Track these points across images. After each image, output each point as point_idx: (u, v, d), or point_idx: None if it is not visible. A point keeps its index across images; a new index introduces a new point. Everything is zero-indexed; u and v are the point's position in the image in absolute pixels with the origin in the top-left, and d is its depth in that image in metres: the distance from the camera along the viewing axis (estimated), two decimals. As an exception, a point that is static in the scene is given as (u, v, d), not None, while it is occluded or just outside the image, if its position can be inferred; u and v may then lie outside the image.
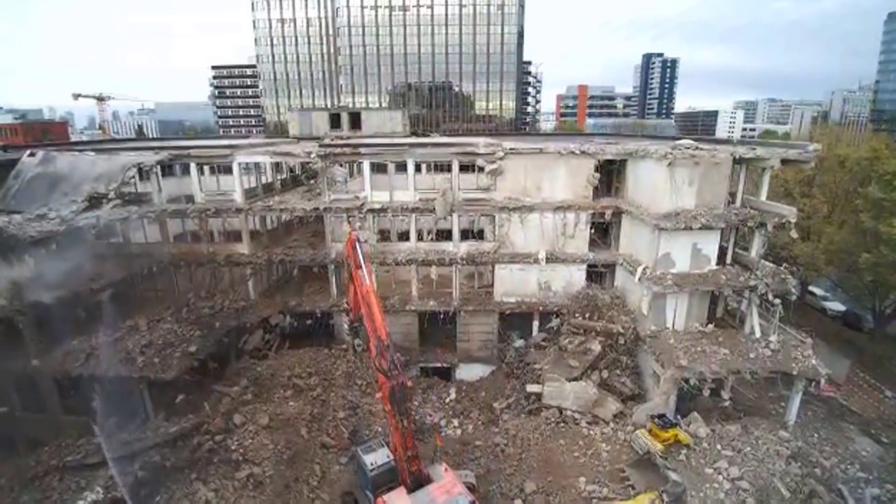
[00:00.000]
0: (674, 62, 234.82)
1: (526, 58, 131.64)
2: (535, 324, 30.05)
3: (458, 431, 25.28)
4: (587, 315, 28.27)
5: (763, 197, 26.50)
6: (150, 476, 20.12)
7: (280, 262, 29.83)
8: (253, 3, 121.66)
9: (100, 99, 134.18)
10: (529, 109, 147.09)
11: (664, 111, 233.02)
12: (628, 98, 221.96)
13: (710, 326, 26.24)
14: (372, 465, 18.06)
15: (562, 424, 24.30)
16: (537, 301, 29.52)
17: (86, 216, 24.32)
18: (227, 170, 30.26)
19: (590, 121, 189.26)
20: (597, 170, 28.33)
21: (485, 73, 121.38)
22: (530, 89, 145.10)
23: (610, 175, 30.38)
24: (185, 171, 29.54)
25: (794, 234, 26.39)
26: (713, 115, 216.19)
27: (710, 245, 25.45)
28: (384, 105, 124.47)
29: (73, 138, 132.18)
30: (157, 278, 28.01)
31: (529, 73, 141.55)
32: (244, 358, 27.58)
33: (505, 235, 28.69)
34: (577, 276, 29.53)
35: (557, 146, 27.96)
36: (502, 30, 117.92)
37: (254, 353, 28.12)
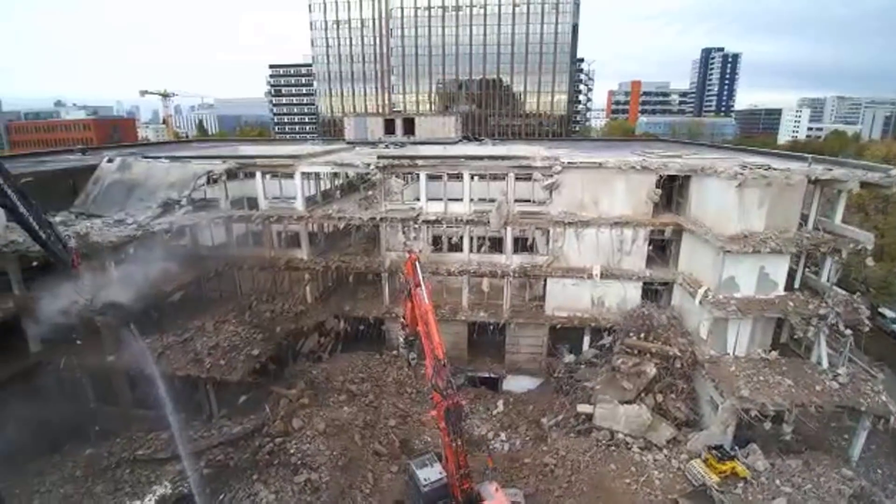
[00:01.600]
0: (735, 57, 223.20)
1: (578, 54, 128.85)
2: (587, 339, 29.61)
3: (506, 446, 25.32)
4: (642, 335, 27.52)
5: (838, 220, 24.95)
6: (214, 474, 21.32)
7: (336, 269, 30.70)
8: (310, 6, 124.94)
9: (165, 95, 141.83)
10: (580, 107, 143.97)
11: (723, 108, 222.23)
12: (684, 94, 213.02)
13: (774, 354, 25.01)
14: (425, 480, 18.40)
15: (613, 448, 23.85)
16: (589, 317, 29.06)
17: (160, 221, 25.90)
18: (289, 174, 31.32)
19: (642, 118, 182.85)
20: (658, 185, 27.52)
21: (536, 70, 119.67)
22: (582, 86, 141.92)
23: (671, 190, 29.43)
24: (249, 174, 30.83)
25: (870, 261, 24.73)
26: (776, 113, 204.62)
27: (778, 269, 24.23)
28: (434, 103, 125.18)
29: (139, 131, 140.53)
30: (222, 280, 29.46)
31: (581, 69, 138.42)
32: (300, 360, 28.68)
33: (559, 249, 28.38)
34: (632, 294, 28.84)
35: (618, 160, 27.31)
36: (556, 26, 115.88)
37: (309, 355, 29.18)
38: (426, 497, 18.24)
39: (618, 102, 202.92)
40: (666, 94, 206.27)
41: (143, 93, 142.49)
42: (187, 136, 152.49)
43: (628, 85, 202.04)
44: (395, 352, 29.65)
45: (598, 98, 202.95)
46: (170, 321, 25.28)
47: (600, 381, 26.32)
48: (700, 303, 25.19)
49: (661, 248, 30.88)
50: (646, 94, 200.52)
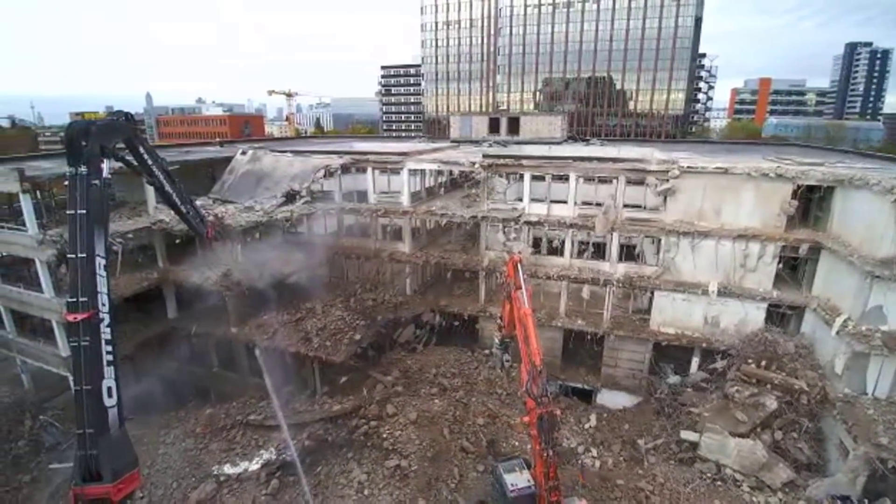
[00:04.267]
0: (885, 53, 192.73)
1: (700, 49, 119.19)
2: (695, 361, 27.32)
3: (597, 463, 24.17)
4: (763, 363, 24.74)
5: None
6: (314, 447, 22.87)
7: (435, 264, 31.39)
8: (422, 8, 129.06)
9: (289, 95, 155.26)
10: (698, 106, 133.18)
11: (869, 111, 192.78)
12: (822, 94, 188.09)
13: (927, 401, 21.19)
14: (512, 486, 18.16)
15: (719, 483, 21.78)
16: (701, 336, 26.77)
17: (282, 210, 28.30)
18: (397, 170, 32.59)
19: (771, 119, 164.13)
20: (794, 196, 24.53)
21: (652, 67, 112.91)
22: (702, 84, 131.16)
23: (809, 202, 26.11)
24: (360, 169, 32.54)
25: None
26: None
27: (942, 303, 20.47)
28: (539, 102, 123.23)
29: (265, 127, 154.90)
30: (331, 268, 31.47)
31: (702, 66, 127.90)
32: (396, 349, 29.82)
33: (670, 260, 26.44)
34: (753, 316, 26.05)
35: (747, 166, 24.77)
36: (676, 20, 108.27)
37: (405, 345, 30.22)
38: (512, 503, 18.01)
39: (742, 101, 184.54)
40: (801, 93, 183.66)
41: (271, 92, 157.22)
42: (305, 133, 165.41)
43: (755, 82, 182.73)
44: (487, 351, 29.64)
45: (720, 96, 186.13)
46: (285, 301, 27.53)
47: (710, 409, 24.13)
48: (837, 333, 22.06)
49: (793, 268, 27.55)
50: (776, 92, 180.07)
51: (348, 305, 28.40)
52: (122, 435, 14.27)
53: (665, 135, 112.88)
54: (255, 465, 21.97)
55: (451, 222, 31.25)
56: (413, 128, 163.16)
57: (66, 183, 14.18)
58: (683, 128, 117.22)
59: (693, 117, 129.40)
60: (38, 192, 25.05)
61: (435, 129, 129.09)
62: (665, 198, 26.05)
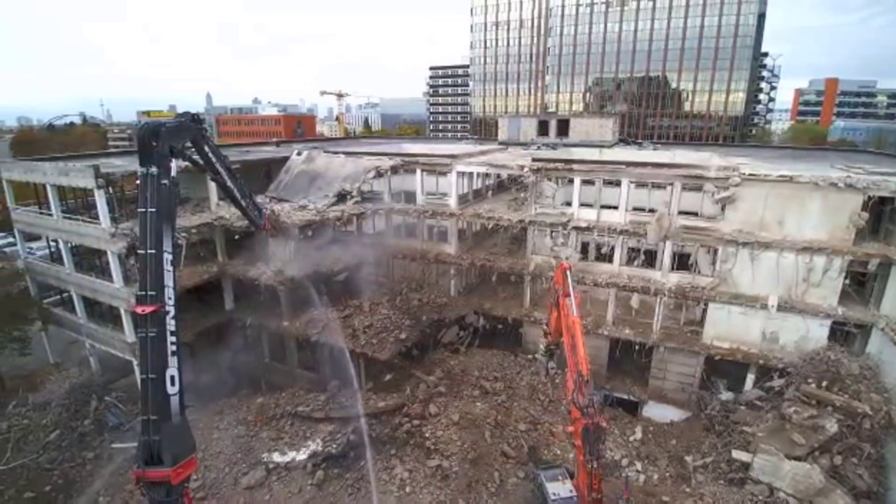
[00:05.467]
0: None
1: (762, 47, 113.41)
2: (750, 377, 26.06)
3: (641, 477, 23.53)
4: (824, 383, 23.33)
5: None
6: (358, 441, 23.41)
7: (480, 266, 31.41)
8: (472, 9, 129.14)
9: (339, 95, 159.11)
10: (759, 107, 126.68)
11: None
12: (894, 96, 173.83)
13: None
14: (554, 495, 18.01)
15: (772, 506, 20.76)
16: (757, 352, 25.52)
17: (334, 209, 29.10)
18: (445, 172, 32.81)
19: (838, 122, 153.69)
20: (864, 207, 22.97)
21: (710, 66, 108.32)
22: (763, 84, 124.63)
23: (880, 214, 24.38)
24: (409, 170, 32.92)
25: None
26: None
27: None
28: (589, 103, 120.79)
29: (317, 127, 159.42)
30: (378, 267, 32.07)
31: (764, 65, 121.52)
32: (440, 350, 30.07)
33: (727, 272, 25.33)
34: (815, 333, 24.59)
35: (814, 175, 23.40)
36: (738, 17, 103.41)
37: (448, 346, 30.42)
38: (554, 512, 17.84)
39: (806, 103, 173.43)
40: (871, 95, 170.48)
41: (322, 93, 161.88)
42: (354, 132, 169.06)
43: (821, 83, 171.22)
44: (530, 356, 29.40)
45: (783, 97, 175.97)
46: (334, 298, 28.30)
47: (765, 429, 22.99)
48: (912, 356, 20.51)
49: (860, 283, 25.82)
50: (844, 93, 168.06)
51: (394, 304, 28.87)
52: (182, 421, 14.91)
53: (722, 137, 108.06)
54: (302, 456, 22.71)
55: (497, 225, 31.12)
56: (460, 128, 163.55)
57: (138, 182, 14.90)
58: (742, 130, 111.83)
59: (753, 119, 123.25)
60: (110, 188, 26.82)
61: (482, 129, 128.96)
62: (724, 206, 24.98)
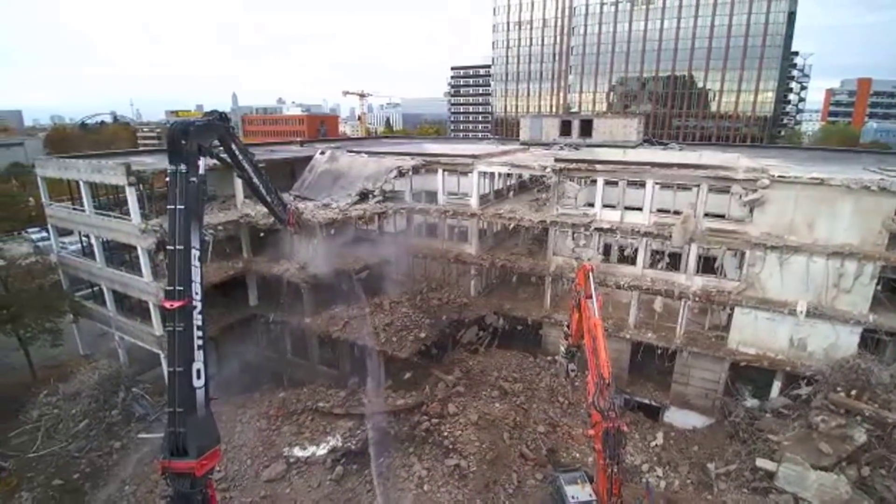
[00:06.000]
0: None
1: (793, 46, 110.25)
2: (776, 385, 25.42)
3: (662, 483, 23.17)
4: (853, 392, 22.68)
5: None
6: (377, 438, 23.59)
7: (501, 267, 31.31)
8: (494, 9, 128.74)
9: (362, 95, 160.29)
10: (789, 108, 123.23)
11: None
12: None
13: None
14: (573, 498, 17.87)
15: (797, 518, 20.24)
16: (784, 359, 24.88)
17: (356, 208, 29.37)
18: (466, 172, 32.79)
19: (871, 123, 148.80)
20: (899, 212, 22.19)
21: (738, 66, 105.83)
22: (793, 84, 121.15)
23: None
24: (431, 170, 32.96)
25: None
26: None
27: None
28: (612, 102, 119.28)
29: (339, 126, 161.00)
30: (399, 266, 32.23)
31: (794, 64, 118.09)
32: (459, 349, 30.07)
33: (755, 276, 24.74)
34: (845, 340, 23.86)
35: (847, 178, 22.69)
36: (767, 15, 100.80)
37: (467, 346, 30.39)
38: (572, 515, 17.70)
39: (838, 103, 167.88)
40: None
41: (345, 93, 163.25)
42: (375, 132, 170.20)
43: (853, 83, 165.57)
44: (550, 358, 29.20)
45: (813, 97, 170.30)
46: (355, 296, 28.56)
47: (791, 437, 22.44)
48: (950, 366, 19.74)
49: (893, 290, 24.98)
50: (877, 94, 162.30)
51: (414, 303, 28.99)
52: (207, 414, 15.19)
53: (751, 138, 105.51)
54: (322, 451, 23.00)
55: (518, 226, 30.97)
56: (481, 128, 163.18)
57: (167, 179, 15.06)
58: (771, 131, 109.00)
59: (783, 120, 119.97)
60: (141, 185, 27.55)
61: (503, 129, 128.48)
62: (752, 208, 24.42)
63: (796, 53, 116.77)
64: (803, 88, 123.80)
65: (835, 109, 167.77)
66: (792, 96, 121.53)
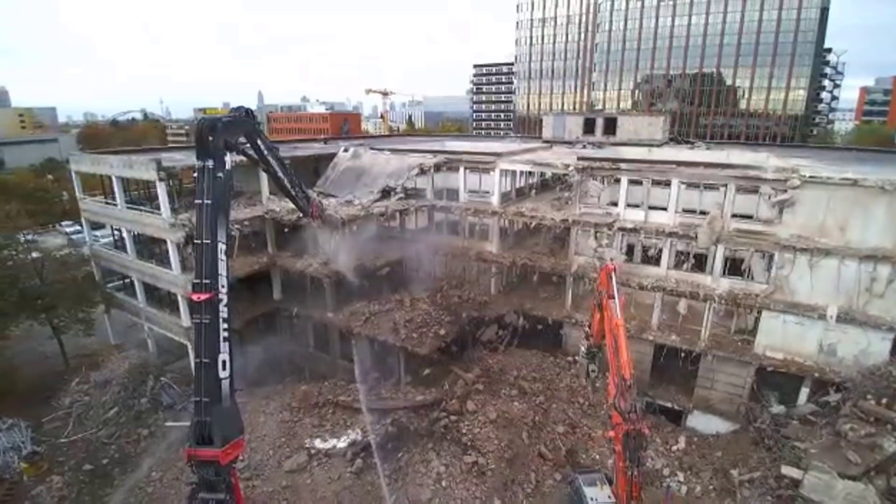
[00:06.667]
0: None
1: (825, 43, 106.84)
2: (804, 391, 24.76)
3: (683, 489, 22.83)
4: (884, 400, 21.95)
5: None
6: (396, 433, 23.78)
7: (521, 266, 31.20)
8: (518, 5, 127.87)
9: (384, 94, 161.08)
10: (821, 106, 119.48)
11: None
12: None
13: None
14: (592, 500, 17.75)
15: (823, 527, 19.70)
16: (813, 365, 24.22)
17: (378, 205, 29.61)
18: (488, 170, 32.73)
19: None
20: (940, 214, 21.36)
21: (768, 63, 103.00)
22: (826, 82, 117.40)
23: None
24: (452, 168, 32.98)
25: None
26: None
27: None
28: (637, 100, 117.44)
29: (362, 124, 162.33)
30: (420, 263, 32.42)
31: (827, 61, 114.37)
32: (478, 347, 30.09)
33: (783, 279, 24.14)
34: (877, 347, 23.11)
35: (881, 179, 21.94)
36: (799, 11, 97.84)
37: (487, 344, 30.39)
38: (591, 517, 17.60)
39: (873, 102, 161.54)
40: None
41: (368, 91, 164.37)
42: (398, 130, 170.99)
43: (889, 81, 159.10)
44: (570, 358, 29.02)
45: (847, 96, 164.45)
46: (376, 292, 28.83)
47: (818, 445, 21.85)
48: None
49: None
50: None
51: (434, 300, 29.12)
52: (232, 404, 15.51)
53: (781, 138, 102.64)
54: (342, 443, 23.31)
55: (540, 225, 30.80)
56: (503, 126, 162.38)
57: (195, 175, 15.39)
58: (803, 130, 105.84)
59: (814, 119, 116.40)
60: (170, 180, 28.25)
61: (526, 127, 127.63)
62: (781, 209, 23.81)
63: (829, 50, 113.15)
64: (836, 86, 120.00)
65: (869, 109, 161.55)
66: (824, 94, 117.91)
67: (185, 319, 27.52)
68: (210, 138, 14.86)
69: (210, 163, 14.84)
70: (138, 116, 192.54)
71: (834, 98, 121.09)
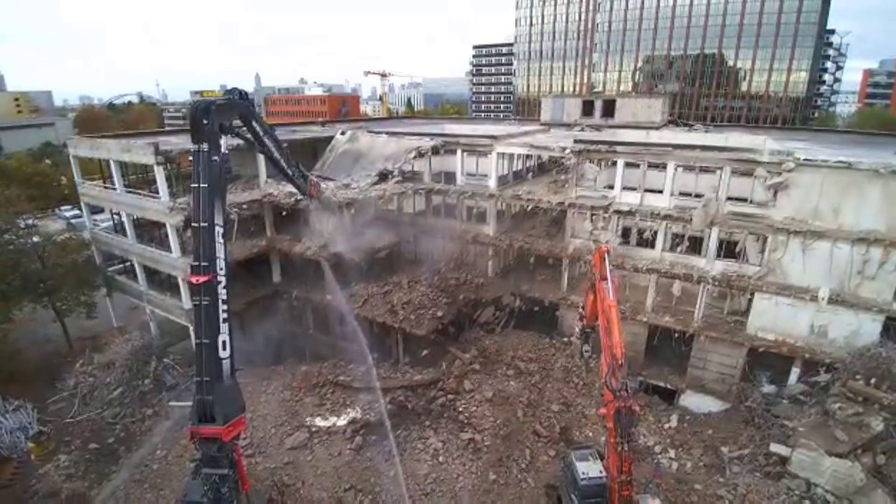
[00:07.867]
0: None
1: (828, 24, 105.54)
2: (795, 371, 25.26)
3: (674, 465, 23.45)
4: (872, 380, 22.38)
5: None
6: (395, 411, 24.35)
7: (518, 248, 31.46)
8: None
9: (383, 75, 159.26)
10: (823, 89, 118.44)
11: None
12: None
13: None
14: (583, 474, 18.26)
15: (807, 502, 20.39)
16: (804, 346, 24.65)
17: (376, 188, 29.73)
18: (485, 153, 32.73)
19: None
20: (931, 198, 21.54)
21: (770, 44, 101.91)
22: (828, 64, 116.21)
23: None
24: (450, 151, 32.98)
25: None
26: None
27: None
28: (638, 82, 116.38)
29: (361, 107, 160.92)
30: (418, 245, 32.68)
31: (830, 43, 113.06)
32: (475, 329, 30.54)
33: (776, 261, 24.42)
34: (867, 328, 23.49)
35: (875, 162, 22.07)
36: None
37: (484, 326, 30.83)
38: (582, 491, 18.11)
39: (876, 85, 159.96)
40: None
41: (367, 73, 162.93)
42: (397, 112, 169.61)
43: (893, 63, 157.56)
44: (565, 339, 29.46)
45: (850, 78, 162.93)
46: (374, 274, 29.14)
47: (806, 424, 22.39)
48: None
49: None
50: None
51: (432, 282, 29.43)
52: (233, 384, 15.93)
53: (782, 120, 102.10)
54: (342, 421, 23.90)
55: (536, 208, 30.98)
56: (502, 108, 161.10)
57: (191, 158, 15.42)
58: (804, 113, 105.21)
59: (816, 101, 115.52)
60: (168, 164, 28.32)
61: (525, 109, 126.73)
62: (776, 192, 23.97)
63: (832, 32, 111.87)
64: (839, 69, 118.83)
65: (873, 91, 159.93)
66: (827, 77, 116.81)
67: (186, 302, 27.85)
68: (204, 121, 14.88)
69: (205, 146, 14.92)
70: (135, 100, 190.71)
71: (836, 80, 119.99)
